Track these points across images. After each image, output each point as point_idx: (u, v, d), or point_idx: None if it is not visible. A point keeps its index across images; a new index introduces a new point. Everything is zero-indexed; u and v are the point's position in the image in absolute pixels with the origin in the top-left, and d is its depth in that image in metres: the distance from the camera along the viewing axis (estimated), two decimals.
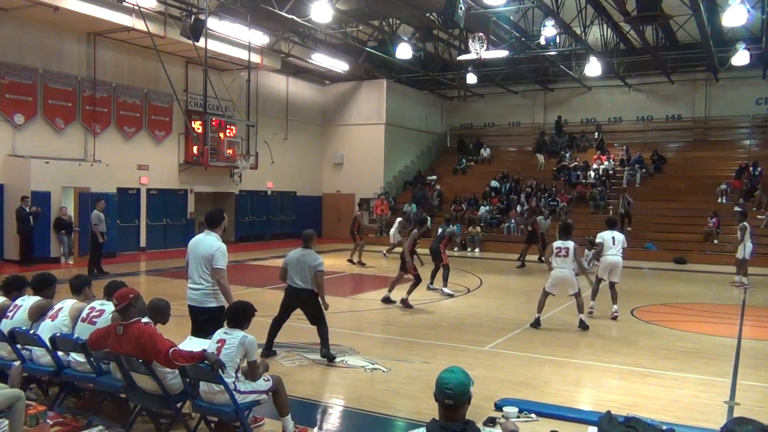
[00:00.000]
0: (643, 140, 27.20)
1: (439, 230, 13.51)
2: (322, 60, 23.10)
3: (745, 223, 14.40)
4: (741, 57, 20.71)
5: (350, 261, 18.41)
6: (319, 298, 7.56)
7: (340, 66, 23.83)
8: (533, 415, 5.65)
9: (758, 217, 20.61)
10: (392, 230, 20.31)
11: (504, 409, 5.69)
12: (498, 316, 11.05)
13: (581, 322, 9.63)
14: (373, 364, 7.44)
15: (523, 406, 5.79)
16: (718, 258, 18.65)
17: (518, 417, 5.56)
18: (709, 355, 8.30)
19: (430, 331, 9.50)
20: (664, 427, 5.17)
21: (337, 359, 7.62)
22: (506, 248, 20.81)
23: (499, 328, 9.75)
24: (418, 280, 11.54)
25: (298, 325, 9.80)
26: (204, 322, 5.93)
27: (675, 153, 26.40)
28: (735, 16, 15.98)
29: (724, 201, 22.15)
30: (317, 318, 7.63)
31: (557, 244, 9.78)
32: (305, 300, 7.59)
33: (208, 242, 6.13)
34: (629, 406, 5.98)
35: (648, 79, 26.90)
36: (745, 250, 14.18)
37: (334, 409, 6.21)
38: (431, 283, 13.32)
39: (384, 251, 20.42)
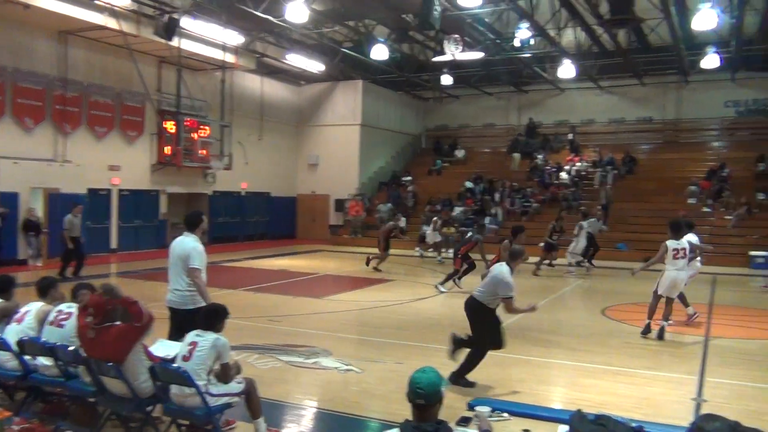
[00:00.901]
0: (615, 142, 27.54)
1: (469, 234, 14.26)
2: (297, 60, 23.02)
3: None
4: (710, 60, 21.11)
5: (376, 269, 17.07)
6: None
7: (315, 66, 23.77)
8: (506, 415, 5.70)
9: (726, 217, 21.02)
10: (428, 230, 20.38)
11: (477, 408, 5.71)
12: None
13: (661, 330, 9.12)
14: (347, 365, 7.43)
15: (496, 405, 5.82)
16: None
17: (491, 416, 5.59)
18: (678, 353, 8.46)
19: (404, 332, 9.52)
20: (634, 425, 5.24)
21: (311, 360, 7.60)
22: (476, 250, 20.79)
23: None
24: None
25: (271, 327, 9.75)
26: (184, 324, 5.89)
27: (646, 154, 26.79)
28: (705, 20, 16.25)
29: (693, 202, 22.54)
30: None
31: (672, 244, 9.21)
32: None
33: (185, 244, 6.17)
34: (600, 404, 6.05)
35: (620, 81, 27.26)
36: None
37: (307, 410, 6.19)
38: (459, 278, 13.66)
39: (420, 252, 20.71)
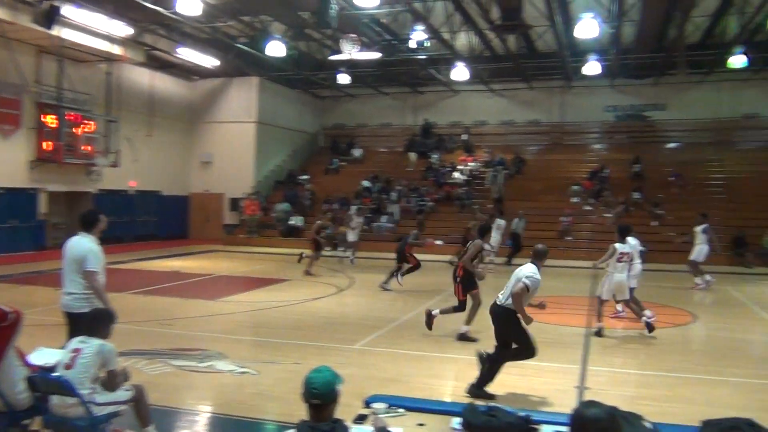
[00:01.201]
0: (506, 143, 28.66)
1: (414, 232, 14.35)
2: (189, 55, 22.25)
3: (705, 225, 14.66)
4: (591, 67, 22.39)
5: (308, 273, 16.16)
6: None
7: (209, 61, 23.09)
8: (401, 410, 5.77)
9: (605, 215, 22.36)
10: (349, 230, 19.48)
11: (373, 405, 5.77)
12: (368, 315, 11.22)
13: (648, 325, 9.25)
14: (242, 367, 7.28)
15: (391, 401, 5.89)
16: (572, 253, 20.00)
17: (387, 412, 5.65)
18: (563, 344, 8.90)
19: (300, 332, 9.45)
20: (522, 414, 5.49)
21: (204, 364, 7.39)
22: (377, 247, 21.09)
23: (369, 326, 9.90)
24: (475, 303, 9.17)
25: (161, 331, 9.41)
26: (80, 328, 5.56)
27: (534, 155, 28.04)
28: (587, 29, 17.23)
29: (577, 201, 23.85)
30: None
31: (620, 247, 9.46)
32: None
33: (81, 244, 5.82)
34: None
35: (510, 85, 28.35)
36: (699, 251, 14.52)
37: (201, 416, 6.01)
38: (402, 275, 13.76)
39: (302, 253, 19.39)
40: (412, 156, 28.54)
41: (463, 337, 8.84)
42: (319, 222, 17.71)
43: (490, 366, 6.45)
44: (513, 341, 6.51)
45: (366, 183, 26.76)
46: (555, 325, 10.18)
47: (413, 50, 21.42)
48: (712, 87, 25.93)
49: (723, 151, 25.45)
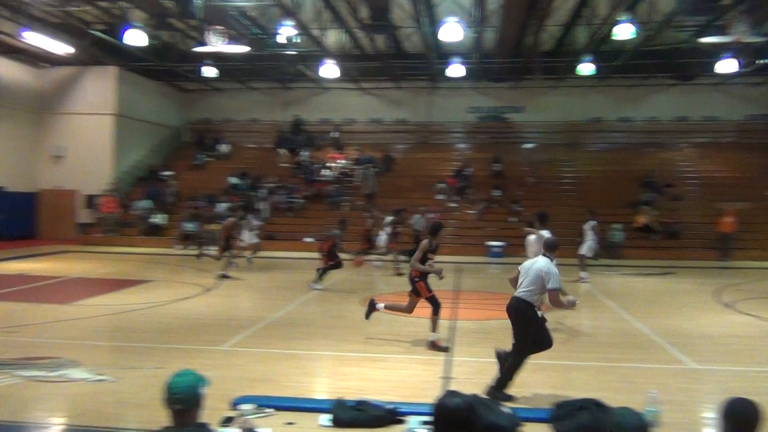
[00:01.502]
0: (375, 141, 29.15)
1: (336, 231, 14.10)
2: (36, 40, 20.51)
3: (594, 222, 15.58)
4: (455, 70, 23.27)
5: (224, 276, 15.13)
6: None
7: (61, 48, 21.42)
8: (270, 410, 5.71)
9: (468, 212, 23.38)
10: (246, 231, 18.29)
11: (240, 406, 5.67)
12: (235, 315, 10.98)
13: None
14: (99, 374, 6.85)
15: (260, 401, 5.82)
16: (442, 249, 20.67)
17: (255, 413, 5.57)
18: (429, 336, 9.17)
19: (163, 335, 9.06)
20: (390, 406, 5.62)
21: (55, 373, 6.88)
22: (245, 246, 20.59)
23: (238, 326, 9.68)
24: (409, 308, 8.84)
25: (5, 339, 8.72)
26: None
27: (402, 154, 28.73)
28: (451, 32, 17.85)
29: (442, 198, 24.74)
30: None
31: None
32: None
33: None
34: (361, 390, 6.36)
35: (379, 84, 28.85)
36: (588, 246, 15.45)
37: (53, 428, 5.60)
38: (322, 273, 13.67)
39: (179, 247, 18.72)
40: (283, 152, 28.26)
41: (434, 346, 8.36)
42: (232, 219, 16.59)
43: (508, 366, 6.30)
44: (516, 336, 6.36)
45: (234, 180, 26.14)
46: (423, 318, 10.47)
47: (282, 46, 21.20)
48: (564, 92, 27.89)
49: (573, 151, 27.46)
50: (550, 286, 6.18)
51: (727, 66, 20.84)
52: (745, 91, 27.37)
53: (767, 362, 8.09)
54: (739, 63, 20.85)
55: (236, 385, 6.50)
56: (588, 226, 15.61)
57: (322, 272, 13.71)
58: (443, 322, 10.06)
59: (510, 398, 6.18)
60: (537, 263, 6.36)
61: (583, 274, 15.45)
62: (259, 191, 25.24)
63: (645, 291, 14.56)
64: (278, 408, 5.76)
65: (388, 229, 17.56)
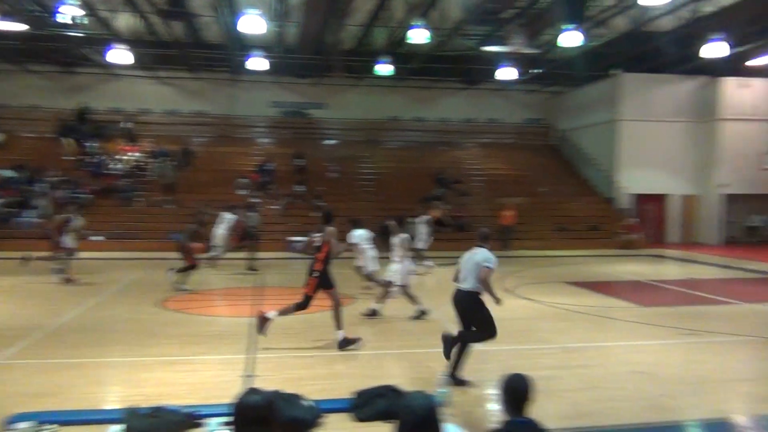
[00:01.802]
0: (172, 133, 27.74)
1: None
2: None
3: (428, 218, 16.65)
4: (257, 63, 22.99)
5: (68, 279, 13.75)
6: None
7: None
8: (53, 426, 5.24)
9: (272, 207, 23.27)
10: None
11: (19, 425, 5.14)
12: (10, 324, 9.82)
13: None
14: None
15: (41, 417, 5.31)
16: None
17: (39, 431, 5.09)
18: (230, 335, 9.03)
19: None
20: (188, 410, 5.45)
21: None
22: (21, 246, 18.49)
23: (13, 337, 8.69)
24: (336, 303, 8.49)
25: None
26: None
27: (202, 147, 27.71)
28: (251, 24, 17.58)
29: (244, 193, 24.30)
30: None
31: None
32: None
33: None
34: (158, 395, 6.08)
35: (176, 73, 27.56)
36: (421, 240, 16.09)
37: None
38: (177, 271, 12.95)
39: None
40: (68, 142, 25.79)
41: (346, 342, 8.17)
42: (63, 216, 14.44)
43: (458, 350, 6.62)
44: (476, 324, 6.72)
45: (8, 172, 23.36)
46: (223, 317, 10.31)
47: (65, 26, 19.37)
48: (364, 90, 28.86)
49: (372, 148, 28.55)
50: (486, 264, 6.61)
51: (507, 73, 23.14)
52: (523, 98, 30.57)
53: (541, 340, 9.10)
54: (518, 71, 23.25)
55: (12, 402, 5.88)
56: (420, 221, 16.54)
57: (183, 271, 13.01)
58: (244, 320, 9.96)
59: (466, 383, 6.58)
60: (476, 255, 6.75)
61: (428, 262, 16.46)
62: (39, 185, 22.83)
63: (437, 280, 15.62)
64: (63, 423, 5.30)
65: (226, 226, 17.01)
